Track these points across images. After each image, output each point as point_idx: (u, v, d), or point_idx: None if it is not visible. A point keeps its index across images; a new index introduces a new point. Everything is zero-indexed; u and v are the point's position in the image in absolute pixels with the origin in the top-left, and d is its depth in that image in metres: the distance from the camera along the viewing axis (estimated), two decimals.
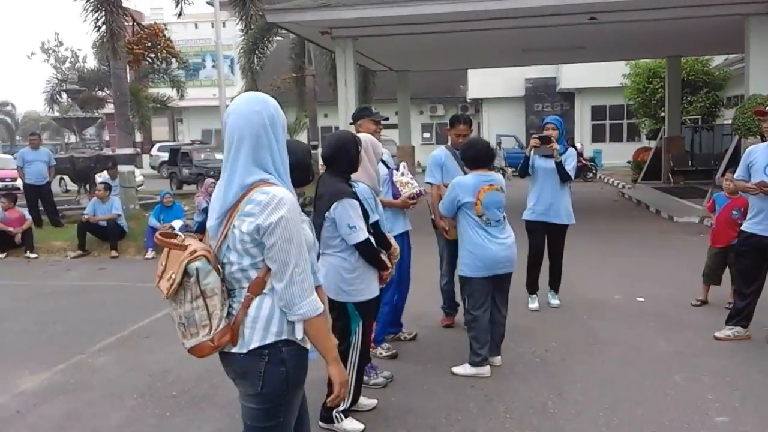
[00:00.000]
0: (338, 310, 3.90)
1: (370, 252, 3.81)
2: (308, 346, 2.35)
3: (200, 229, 8.66)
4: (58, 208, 12.83)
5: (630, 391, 4.43)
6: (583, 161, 22.61)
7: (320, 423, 3.93)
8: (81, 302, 7.51)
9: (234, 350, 2.27)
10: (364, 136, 4.29)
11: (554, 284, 6.57)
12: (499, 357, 4.93)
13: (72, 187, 17.24)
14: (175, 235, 2.28)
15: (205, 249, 2.23)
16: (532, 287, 6.49)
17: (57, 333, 6.29)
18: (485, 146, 4.93)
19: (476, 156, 4.83)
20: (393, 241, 4.27)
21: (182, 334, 2.25)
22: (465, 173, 5.27)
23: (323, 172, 3.93)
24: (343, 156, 3.81)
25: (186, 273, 2.16)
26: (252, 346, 2.24)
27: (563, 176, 6.14)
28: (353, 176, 3.99)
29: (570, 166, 6.17)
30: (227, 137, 2.28)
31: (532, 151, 6.23)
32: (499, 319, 4.86)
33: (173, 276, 2.17)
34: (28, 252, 10.52)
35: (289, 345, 2.27)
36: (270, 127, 2.26)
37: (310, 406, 2.61)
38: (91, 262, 10.12)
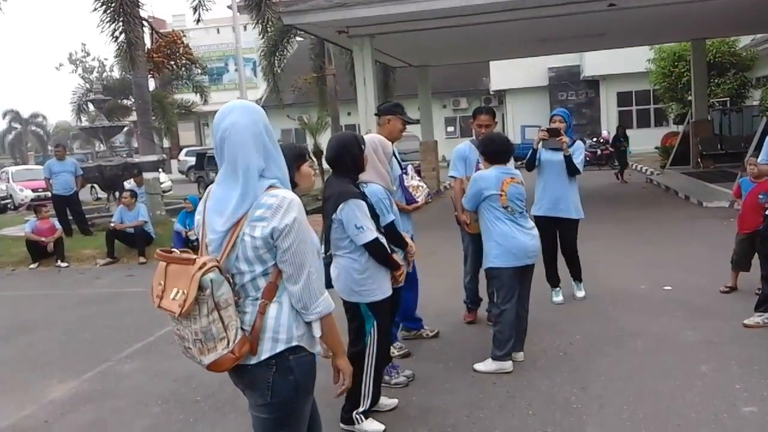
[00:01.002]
0: (352, 311, 3.89)
1: (379, 252, 3.79)
2: (316, 349, 2.35)
3: None
4: (87, 216, 13.09)
5: (655, 383, 4.36)
6: (610, 149, 22.33)
7: (341, 425, 3.93)
8: (109, 310, 7.63)
9: (241, 361, 2.25)
10: (372, 137, 4.27)
11: (576, 276, 6.44)
12: (522, 353, 4.89)
13: (102, 194, 17.51)
14: (172, 251, 2.27)
15: (214, 260, 2.20)
16: (553, 280, 6.41)
17: (85, 341, 6.40)
18: (504, 141, 4.92)
19: (496, 151, 4.83)
20: (409, 240, 4.26)
21: (199, 351, 2.21)
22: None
23: (329, 174, 3.93)
24: (346, 156, 3.80)
25: (200, 287, 2.13)
26: (263, 357, 2.24)
27: (571, 170, 6.02)
28: (365, 177, 3.97)
29: (578, 159, 6.04)
30: (229, 150, 2.24)
31: (540, 144, 6.12)
32: (522, 314, 4.83)
33: (185, 292, 2.13)
34: (59, 261, 10.72)
35: (296, 353, 2.27)
36: (266, 134, 2.26)
37: (330, 408, 2.61)
38: (120, 269, 10.27)
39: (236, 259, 2.24)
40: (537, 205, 6.24)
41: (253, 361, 2.25)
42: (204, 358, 2.21)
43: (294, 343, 2.26)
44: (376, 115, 5.34)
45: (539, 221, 6.08)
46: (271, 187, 2.23)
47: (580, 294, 6.40)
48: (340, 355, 2.42)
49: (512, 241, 4.64)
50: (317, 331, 2.29)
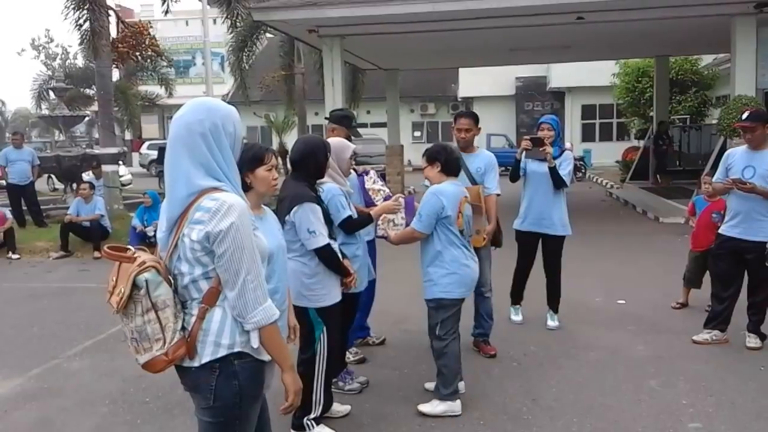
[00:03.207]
0: (300, 315, 3.86)
1: (329, 258, 3.76)
2: (264, 357, 2.31)
3: None
4: (42, 207, 12.78)
5: (605, 396, 4.42)
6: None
7: (292, 431, 3.90)
8: (60, 305, 7.45)
9: (186, 364, 2.23)
10: (332, 141, 4.26)
11: (553, 303, 5.95)
12: (462, 382, 4.45)
13: (60, 185, 17.14)
14: (126, 248, 2.24)
15: (154, 260, 2.19)
16: (516, 298, 6.10)
17: (33, 337, 6.23)
18: (455, 149, 4.41)
19: (450, 161, 4.24)
20: (351, 269, 4.01)
21: (135, 349, 2.20)
22: (469, 176, 5.07)
23: (288, 175, 3.90)
24: (311, 161, 3.79)
25: (135, 285, 2.12)
26: (204, 360, 2.21)
27: (557, 182, 5.55)
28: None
29: (565, 171, 5.56)
30: (168, 145, 2.24)
31: (523, 154, 5.67)
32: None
33: (122, 289, 2.12)
34: (10, 253, 10.43)
35: (242, 358, 2.24)
36: (211, 135, 2.20)
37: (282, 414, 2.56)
38: (74, 263, 10.04)
39: (178, 259, 2.21)
40: (520, 219, 5.80)
41: (196, 363, 2.22)
42: (139, 357, 2.21)
43: (237, 349, 2.22)
44: (326, 119, 5.24)
45: (521, 236, 5.83)
46: (214, 189, 2.18)
47: (553, 324, 5.90)
48: (286, 370, 2.32)
49: (465, 269, 4.18)
50: (255, 342, 2.23)
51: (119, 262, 2.21)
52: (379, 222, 4.71)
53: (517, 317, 6.11)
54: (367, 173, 5.14)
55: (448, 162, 4.23)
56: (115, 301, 2.16)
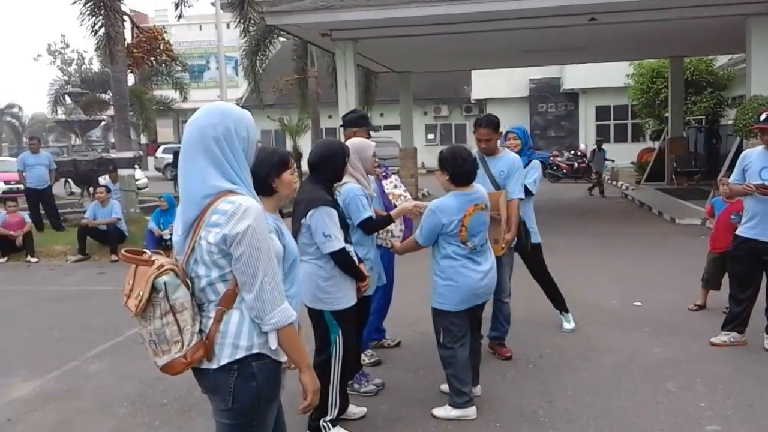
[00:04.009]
0: (316, 318, 3.88)
1: (345, 261, 3.77)
2: (282, 358, 2.33)
3: None
4: (60, 211, 12.90)
5: (622, 399, 4.40)
6: (587, 162, 22.56)
7: None
8: (78, 307, 7.52)
9: (204, 366, 2.25)
10: (351, 142, 4.26)
11: (557, 305, 5.90)
12: (479, 386, 4.46)
13: (76, 189, 17.28)
14: (142, 252, 2.26)
15: (172, 263, 2.21)
16: (559, 306, 5.93)
17: (52, 339, 6.30)
18: (466, 158, 4.12)
19: (455, 172, 4.10)
20: (366, 272, 4.00)
21: (153, 352, 2.22)
22: (492, 180, 5.01)
23: (306, 178, 3.91)
24: (329, 165, 3.80)
25: (154, 288, 2.14)
26: (222, 362, 2.23)
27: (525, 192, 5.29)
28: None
29: (531, 179, 5.39)
30: (182, 149, 2.26)
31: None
32: (476, 347, 4.41)
33: (141, 293, 2.15)
34: (28, 256, 10.55)
35: (259, 359, 2.25)
36: (224, 139, 2.21)
37: (298, 415, 2.58)
38: (91, 266, 10.14)
39: (195, 262, 2.23)
40: None
41: (214, 365, 2.24)
42: (158, 359, 2.23)
43: (255, 351, 2.24)
44: (341, 126, 5.18)
45: None
46: (230, 192, 2.20)
47: (568, 326, 5.87)
48: (304, 370, 2.33)
49: (464, 279, 4.08)
50: (273, 343, 2.25)
51: (135, 265, 2.23)
52: (380, 233, 4.62)
53: (568, 325, 5.92)
54: (387, 176, 5.11)
55: (455, 173, 4.10)
56: (133, 304, 2.18)
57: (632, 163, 23.18)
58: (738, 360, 5.05)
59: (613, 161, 21.32)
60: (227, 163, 2.22)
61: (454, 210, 4.04)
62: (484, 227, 4.17)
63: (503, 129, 5.30)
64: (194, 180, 2.21)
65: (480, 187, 4.25)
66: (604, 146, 19.13)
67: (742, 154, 5.34)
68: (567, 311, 5.94)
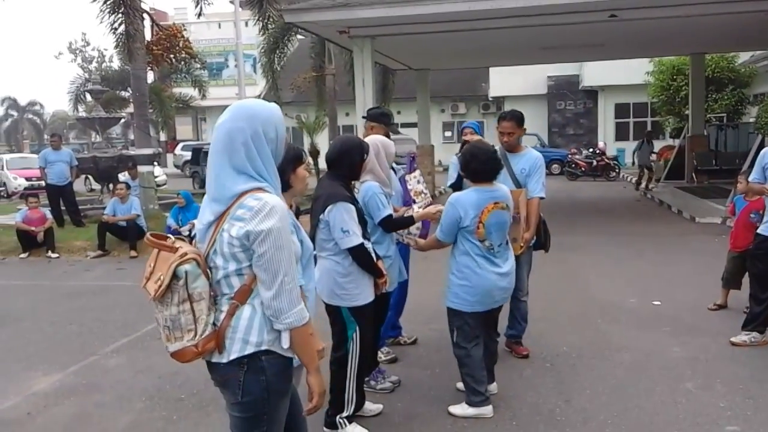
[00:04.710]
0: (333, 314, 3.88)
1: (363, 257, 3.76)
2: (291, 354, 2.34)
3: None
4: (80, 207, 13.04)
5: (640, 398, 4.36)
6: (606, 160, 22.40)
7: (324, 428, 3.93)
8: (97, 303, 7.60)
9: (214, 359, 2.28)
10: (375, 138, 4.24)
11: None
12: (495, 383, 4.43)
13: (96, 186, 17.45)
14: (167, 237, 2.29)
15: (195, 252, 2.23)
16: None
17: (72, 334, 6.37)
18: (488, 155, 4.09)
19: (478, 169, 4.06)
20: (384, 269, 3.98)
21: (166, 337, 2.25)
22: (513, 178, 4.97)
23: (324, 174, 3.92)
24: (346, 161, 3.81)
25: (175, 275, 2.16)
26: (231, 357, 2.25)
27: None
28: (362, 177, 3.98)
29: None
30: (210, 150, 2.29)
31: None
32: (492, 347, 4.39)
33: (162, 278, 2.17)
34: (49, 252, 10.68)
35: (269, 354, 2.27)
36: (253, 142, 2.23)
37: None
38: (111, 262, 10.24)
39: (214, 252, 2.25)
40: None
41: (224, 359, 2.26)
42: (170, 345, 2.25)
43: (264, 347, 2.25)
44: (364, 117, 5.24)
45: None
46: (258, 189, 2.22)
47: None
48: (312, 372, 2.34)
49: (481, 282, 4.02)
50: (285, 342, 2.26)
51: (158, 250, 2.26)
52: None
53: None
54: (414, 169, 5.07)
55: (472, 171, 4.10)
56: (153, 288, 2.21)
57: (652, 161, 22.94)
58: (758, 360, 4.99)
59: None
60: (255, 165, 2.24)
61: (472, 204, 3.97)
62: (503, 227, 4.09)
63: (504, 129, 5.17)
64: (224, 178, 2.23)
65: (503, 187, 4.19)
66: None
67: (762, 152, 5.26)
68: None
